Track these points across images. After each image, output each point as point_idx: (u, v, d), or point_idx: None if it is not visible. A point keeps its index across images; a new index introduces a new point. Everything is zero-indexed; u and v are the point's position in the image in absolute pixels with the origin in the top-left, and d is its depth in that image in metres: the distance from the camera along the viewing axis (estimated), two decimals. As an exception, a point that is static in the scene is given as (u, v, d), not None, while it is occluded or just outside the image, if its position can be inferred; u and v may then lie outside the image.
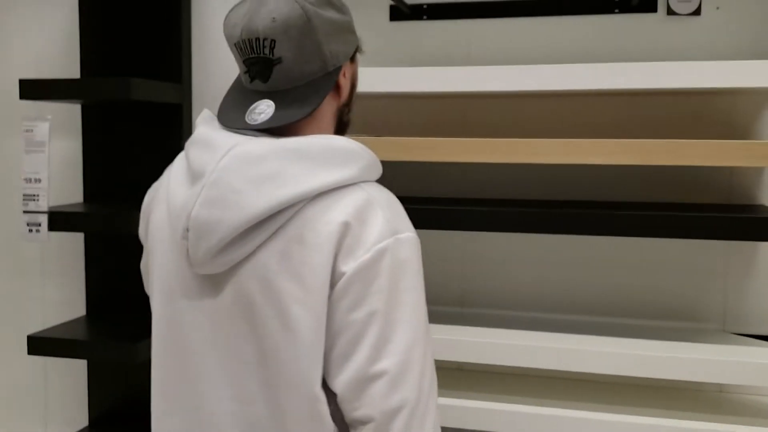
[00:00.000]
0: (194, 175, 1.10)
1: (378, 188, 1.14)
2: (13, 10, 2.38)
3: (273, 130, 1.13)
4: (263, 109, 1.14)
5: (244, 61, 1.16)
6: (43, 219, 2.02)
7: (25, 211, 2.02)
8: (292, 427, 1.09)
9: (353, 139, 1.14)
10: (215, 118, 1.19)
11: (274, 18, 1.11)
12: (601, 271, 2.04)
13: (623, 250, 2.01)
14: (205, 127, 1.16)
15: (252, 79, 1.16)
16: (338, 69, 1.18)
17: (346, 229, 1.06)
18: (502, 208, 1.80)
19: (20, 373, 2.46)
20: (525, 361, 1.80)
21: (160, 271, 1.18)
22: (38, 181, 2.01)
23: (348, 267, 1.05)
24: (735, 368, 1.70)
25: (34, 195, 2.02)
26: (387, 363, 1.04)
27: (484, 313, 2.12)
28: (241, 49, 1.15)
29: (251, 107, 1.14)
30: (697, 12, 1.91)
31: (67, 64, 2.33)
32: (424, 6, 2.05)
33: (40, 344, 2.09)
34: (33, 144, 2.01)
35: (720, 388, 1.99)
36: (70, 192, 2.35)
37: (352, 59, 1.24)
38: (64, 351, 2.08)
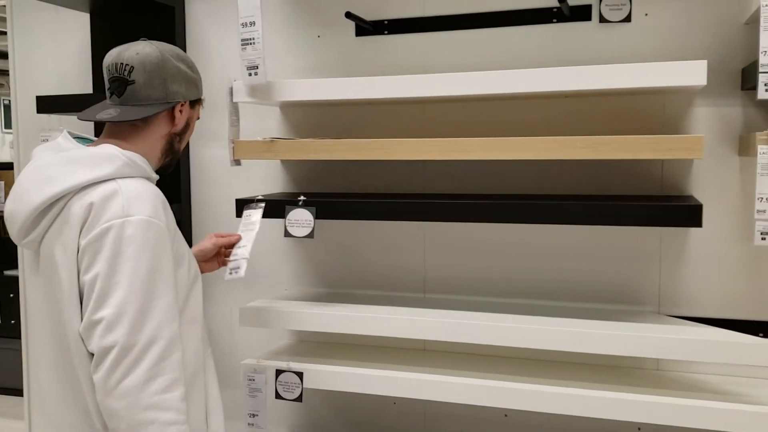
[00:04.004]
0: None
1: (136, 182, 1.52)
2: (37, 34, 2.72)
3: (115, 132, 1.59)
4: (111, 112, 1.57)
5: (108, 79, 1.60)
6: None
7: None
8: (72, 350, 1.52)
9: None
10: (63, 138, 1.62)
11: (137, 53, 1.58)
12: (545, 258, 2.21)
13: (565, 238, 2.19)
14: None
15: (111, 95, 1.60)
16: (176, 103, 1.62)
17: (89, 209, 1.47)
18: (458, 200, 2.00)
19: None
20: (476, 338, 1.98)
21: None
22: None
23: (84, 240, 1.47)
24: (670, 344, 1.84)
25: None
26: (104, 312, 1.44)
27: (440, 297, 2.33)
28: (108, 69, 1.59)
29: (104, 110, 1.58)
30: (627, 19, 2.09)
31: (83, 81, 2.65)
32: (385, 22, 2.28)
33: None
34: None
35: (657, 366, 2.14)
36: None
37: (194, 106, 1.68)
38: None
